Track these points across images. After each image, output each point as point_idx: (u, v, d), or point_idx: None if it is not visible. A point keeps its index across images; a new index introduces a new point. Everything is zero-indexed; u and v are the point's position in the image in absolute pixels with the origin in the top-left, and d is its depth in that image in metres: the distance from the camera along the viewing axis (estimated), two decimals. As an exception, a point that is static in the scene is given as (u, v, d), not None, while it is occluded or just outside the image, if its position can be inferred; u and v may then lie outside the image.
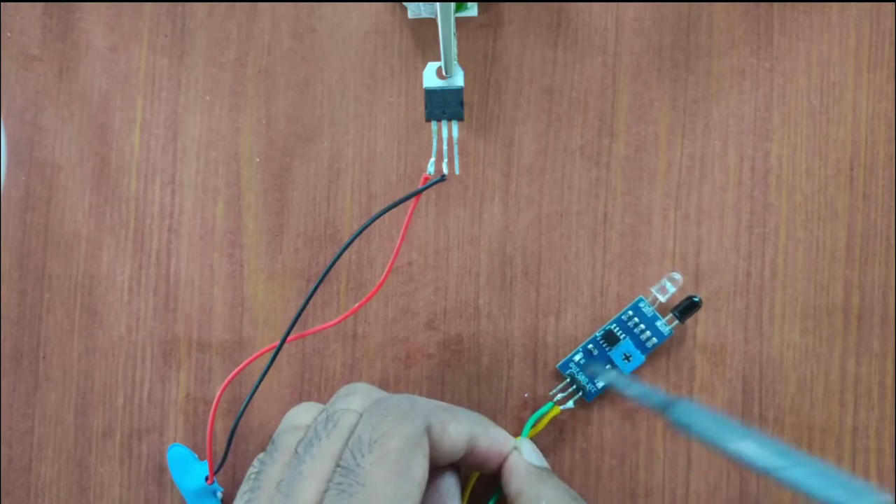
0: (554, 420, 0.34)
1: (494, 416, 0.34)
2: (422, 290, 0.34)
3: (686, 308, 0.33)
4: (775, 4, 0.34)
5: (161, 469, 0.35)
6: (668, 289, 0.32)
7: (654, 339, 0.33)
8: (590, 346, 0.33)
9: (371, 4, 0.35)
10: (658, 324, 0.33)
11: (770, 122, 0.34)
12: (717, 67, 0.34)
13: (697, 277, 0.33)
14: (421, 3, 0.33)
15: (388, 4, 0.35)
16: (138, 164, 0.35)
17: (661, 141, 0.34)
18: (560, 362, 0.33)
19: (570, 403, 0.33)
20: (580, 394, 0.33)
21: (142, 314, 0.35)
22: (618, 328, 0.33)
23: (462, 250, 0.34)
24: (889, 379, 0.33)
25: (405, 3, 0.34)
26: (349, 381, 0.35)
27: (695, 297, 0.33)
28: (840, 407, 0.33)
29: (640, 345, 0.33)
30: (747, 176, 0.34)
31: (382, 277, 0.31)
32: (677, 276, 0.33)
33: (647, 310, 0.33)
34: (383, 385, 0.34)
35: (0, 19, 0.36)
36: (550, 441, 0.34)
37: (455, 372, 0.34)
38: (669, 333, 0.33)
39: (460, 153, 0.34)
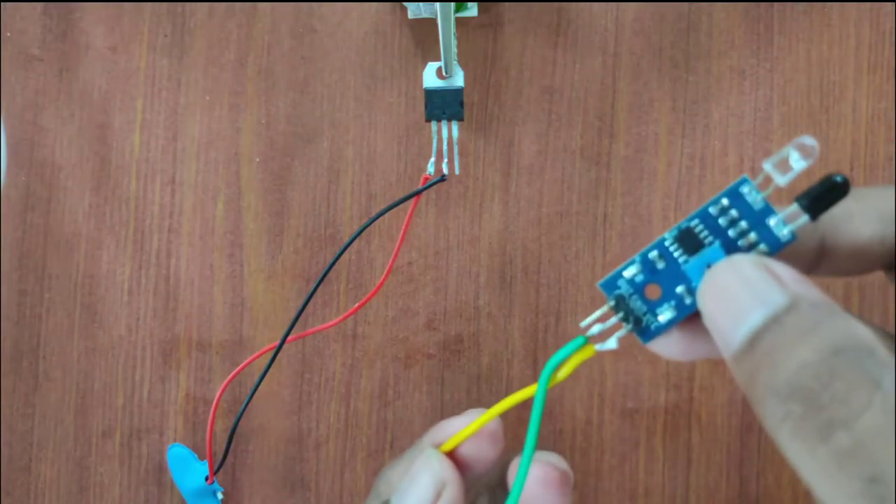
0: (553, 419, 0.34)
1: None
2: (422, 290, 0.34)
3: (822, 194, 0.19)
4: (775, 4, 0.34)
5: (161, 469, 0.35)
6: (792, 164, 0.19)
7: (763, 246, 0.19)
8: (653, 252, 0.20)
9: (371, 4, 0.35)
10: (771, 221, 0.19)
11: (770, 123, 0.34)
12: (717, 68, 0.34)
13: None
14: (421, 3, 0.33)
15: (388, 4, 0.35)
16: (138, 164, 0.35)
17: (661, 141, 0.34)
18: (604, 279, 0.21)
19: (612, 342, 0.20)
20: (630, 327, 0.20)
21: (142, 314, 0.35)
22: (702, 226, 0.20)
23: (462, 250, 0.34)
24: (889, 379, 0.33)
25: (405, 3, 0.34)
26: (349, 382, 0.35)
27: (836, 176, 0.19)
28: (840, 407, 0.33)
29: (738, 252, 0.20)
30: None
31: (382, 277, 0.31)
32: (809, 140, 0.19)
33: (754, 198, 0.20)
34: (383, 385, 0.34)
35: (0, 19, 0.36)
36: (550, 441, 0.34)
37: (455, 372, 0.34)
38: (790, 238, 0.19)
39: (460, 153, 0.34)
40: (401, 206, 0.30)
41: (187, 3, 0.35)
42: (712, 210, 0.20)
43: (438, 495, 0.22)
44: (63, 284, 0.35)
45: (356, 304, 0.32)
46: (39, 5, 0.36)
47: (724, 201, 0.20)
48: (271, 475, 0.35)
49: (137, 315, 0.35)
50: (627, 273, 0.21)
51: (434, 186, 0.30)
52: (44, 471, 0.35)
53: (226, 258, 0.35)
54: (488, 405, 0.34)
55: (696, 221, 0.20)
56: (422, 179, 0.30)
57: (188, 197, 0.35)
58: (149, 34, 0.35)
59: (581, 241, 0.34)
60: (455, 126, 0.30)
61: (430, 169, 0.30)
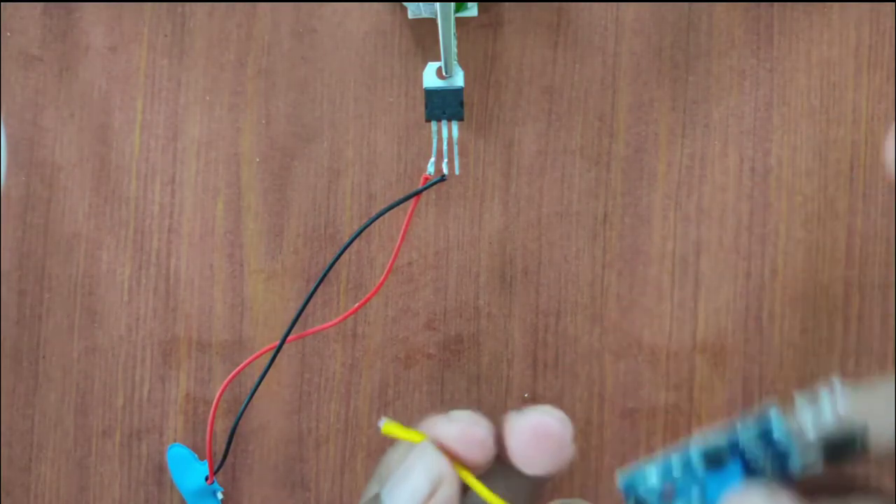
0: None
1: (494, 417, 0.34)
2: (422, 290, 0.34)
3: (839, 447, 0.20)
4: (775, 4, 0.34)
5: (161, 469, 0.35)
6: (823, 407, 0.20)
7: (777, 475, 0.21)
8: (677, 463, 0.21)
9: (371, 4, 0.35)
10: (790, 458, 0.21)
11: (770, 123, 0.34)
12: (717, 68, 0.34)
13: (697, 279, 0.33)
14: (421, 3, 0.33)
15: (388, 4, 0.35)
16: (138, 164, 0.35)
17: (661, 141, 0.34)
18: (625, 477, 0.22)
19: None
20: None
21: (142, 314, 0.35)
22: (727, 449, 0.21)
23: (462, 250, 0.34)
24: (889, 379, 0.33)
25: (405, 3, 0.34)
26: (349, 382, 0.35)
27: (858, 431, 0.20)
28: (840, 407, 0.33)
29: (752, 474, 0.21)
30: (747, 176, 0.34)
31: (382, 277, 0.31)
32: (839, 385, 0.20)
33: (780, 433, 0.21)
34: (383, 385, 0.34)
35: (0, 19, 0.36)
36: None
37: (455, 372, 0.34)
38: (802, 474, 0.21)
39: (460, 153, 0.34)
40: (401, 206, 0.30)
41: (187, 3, 0.35)
42: (744, 437, 0.21)
43: (433, 493, 0.22)
44: (63, 284, 0.35)
45: (356, 304, 0.32)
46: (39, 5, 0.36)
47: (754, 432, 0.21)
48: (271, 475, 0.35)
49: (137, 315, 0.35)
50: (648, 478, 0.22)
51: (434, 186, 0.30)
52: (44, 471, 0.35)
53: (226, 258, 0.35)
54: (488, 405, 0.34)
55: (724, 444, 0.21)
56: (422, 179, 0.30)
57: (188, 197, 0.35)
58: (149, 34, 0.35)
59: (581, 241, 0.34)
60: (455, 126, 0.30)
61: (430, 169, 0.30)
